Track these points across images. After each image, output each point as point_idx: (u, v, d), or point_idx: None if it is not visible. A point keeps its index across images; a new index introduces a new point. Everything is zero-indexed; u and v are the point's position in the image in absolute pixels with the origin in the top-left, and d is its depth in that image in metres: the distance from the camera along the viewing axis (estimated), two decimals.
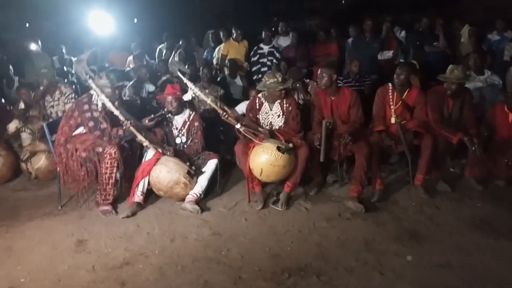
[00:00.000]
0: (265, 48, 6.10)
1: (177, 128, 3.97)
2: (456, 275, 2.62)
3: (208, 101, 3.85)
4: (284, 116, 3.87)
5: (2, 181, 4.42)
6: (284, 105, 3.87)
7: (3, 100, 5.36)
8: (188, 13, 11.78)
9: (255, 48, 6.18)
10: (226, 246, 3.03)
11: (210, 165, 3.81)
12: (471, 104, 3.97)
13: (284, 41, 6.43)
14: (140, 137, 3.61)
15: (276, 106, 3.89)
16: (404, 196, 3.79)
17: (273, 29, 6.98)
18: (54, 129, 3.85)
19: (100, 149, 3.53)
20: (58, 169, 3.70)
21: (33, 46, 6.54)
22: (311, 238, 3.12)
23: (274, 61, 5.92)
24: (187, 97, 4.01)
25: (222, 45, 6.49)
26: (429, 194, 3.73)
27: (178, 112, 3.96)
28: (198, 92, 3.90)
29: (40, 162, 4.36)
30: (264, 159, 3.49)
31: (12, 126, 4.70)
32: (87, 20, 7.75)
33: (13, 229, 3.38)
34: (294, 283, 2.59)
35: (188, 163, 3.66)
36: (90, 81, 3.66)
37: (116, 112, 3.57)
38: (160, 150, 3.65)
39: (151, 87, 5.22)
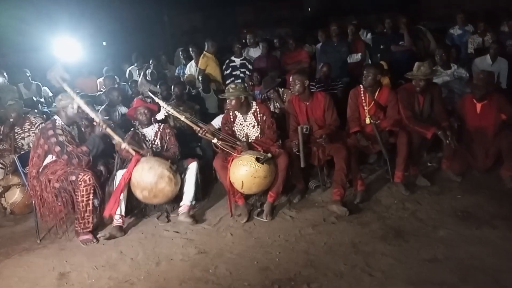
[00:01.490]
0: (237, 61, 6.13)
1: (149, 140, 3.97)
2: (444, 269, 2.65)
3: (182, 118, 3.83)
4: (259, 126, 3.87)
5: None
6: (258, 115, 3.87)
7: None
8: (157, 32, 11.74)
9: (227, 61, 6.20)
10: (214, 264, 2.97)
11: (191, 170, 3.80)
12: (441, 98, 4.07)
13: (254, 52, 6.47)
14: (117, 138, 3.57)
15: (250, 117, 3.88)
16: (385, 194, 3.83)
17: (244, 41, 7.03)
18: (26, 161, 3.74)
19: (74, 177, 3.43)
20: (33, 202, 3.58)
21: None
22: (298, 246, 3.10)
23: (247, 72, 5.94)
24: (160, 116, 3.98)
25: (192, 62, 6.47)
26: (409, 190, 3.79)
27: (149, 123, 3.98)
28: (171, 110, 3.88)
29: (15, 196, 4.21)
30: (244, 172, 3.46)
31: None
32: (53, 48, 7.61)
33: None
34: None
35: (169, 161, 3.61)
36: (65, 85, 3.55)
37: (92, 114, 3.52)
38: (139, 151, 3.60)
39: (123, 109, 5.14)
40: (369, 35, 6.51)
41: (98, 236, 3.52)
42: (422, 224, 3.24)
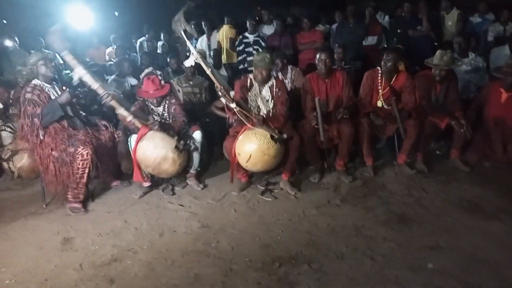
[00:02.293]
0: (250, 37, 6.04)
1: (158, 113, 3.95)
2: (446, 256, 2.64)
3: (208, 72, 3.72)
4: (272, 101, 3.78)
5: None
6: (274, 90, 3.77)
7: None
8: (170, 5, 11.59)
9: (240, 37, 6.12)
10: (216, 238, 3.00)
11: (196, 138, 3.83)
12: (457, 88, 3.99)
13: (268, 30, 6.37)
14: (121, 111, 3.51)
15: (266, 90, 3.78)
16: (391, 180, 3.81)
17: (257, 18, 6.91)
18: None
19: (72, 150, 3.43)
20: (40, 168, 3.61)
21: (8, 43, 6.34)
22: (301, 227, 3.11)
23: (260, 50, 5.86)
24: (189, 62, 3.88)
25: (204, 36, 6.40)
26: (415, 169, 3.83)
27: (159, 105, 3.96)
28: (200, 60, 3.76)
29: (23, 160, 4.24)
30: (255, 146, 3.35)
31: None
32: (66, 15, 7.54)
33: None
34: (286, 272, 2.57)
35: (176, 137, 3.55)
36: (65, 52, 3.42)
37: (95, 86, 3.45)
38: (146, 124, 3.57)
39: (133, 81, 5.12)
40: (386, 18, 6.37)
41: (134, 196, 3.72)
42: (427, 211, 3.22)
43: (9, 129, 4.51)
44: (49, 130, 3.50)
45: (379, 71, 3.93)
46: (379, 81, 3.92)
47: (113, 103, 3.48)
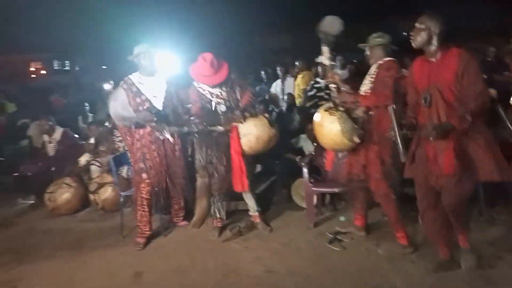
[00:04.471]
0: (322, 82, 6.07)
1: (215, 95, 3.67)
2: None
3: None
4: (372, 83, 3.24)
5: (72, 211, 4.72)
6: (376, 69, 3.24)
7: (76, 136, 5.81)
8: (247, 50, 12.22)
9: (312, 82, 6.18)
10: (280, 285, 2.91)
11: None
12: None
13: (340, 75, 6.36)
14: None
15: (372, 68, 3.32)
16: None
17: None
18: (120, 162, 4.09)
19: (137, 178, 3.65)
20: (120, 200, 3.87)
21: (106, 86, 7.12)
22: (371, 281, 2.90)
23: (332, 94, 5.84)
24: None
25: (278, 81, 6.60)
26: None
27: None
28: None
29: (107, 193, 4.61)
30: (338, 128, 3.09)
31: (83, 159, 5.06)
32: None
33: (76, 259, 3.55)
34: None
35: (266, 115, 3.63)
36: None
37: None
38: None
39: None
40: None
41: (212, 237, 3.73)
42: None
43: (97, 163, 4.95)
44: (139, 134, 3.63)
45: None
46: None
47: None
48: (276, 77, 7.01)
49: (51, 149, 5.29)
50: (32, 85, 14.01)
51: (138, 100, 3.60)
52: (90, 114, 6.75)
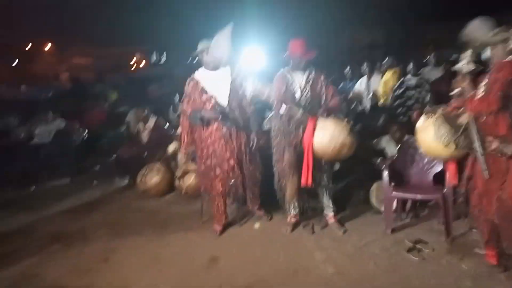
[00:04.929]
0: (413, 80, 5.73)
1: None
2: None
3: None
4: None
5: (159, 194, 5.13)
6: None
7: (167, 125, 6.27)
8: (335, 44, 11.95)
9: (401, 79, 5.86)
10: None
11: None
12: None
13: (433, 73, 5.94)
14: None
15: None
16: None
17: (424, 60, 6.54)
18: None
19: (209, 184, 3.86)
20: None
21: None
22: None
23: (423, 93, 5.50)
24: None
25: (364, 78, 6.38)
26: None
27: None
28: None
29: (190, 180, 4.92)
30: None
31: (172, 147, 5.45)
32: (240, 56, 8.52)
33: (161, 238, 3.87)
34: None
35: (345, 119, 3.58)
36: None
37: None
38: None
39: None
40: None
41: (285, 231, 3.79)
42: None
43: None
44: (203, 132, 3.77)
45: None
46: None
47: None
48: (361, 74, 6.77)
49: (145, 136, 5.78)
50: (132, 76, 15.39)
51: (204, 97, 3.74)
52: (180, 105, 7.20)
